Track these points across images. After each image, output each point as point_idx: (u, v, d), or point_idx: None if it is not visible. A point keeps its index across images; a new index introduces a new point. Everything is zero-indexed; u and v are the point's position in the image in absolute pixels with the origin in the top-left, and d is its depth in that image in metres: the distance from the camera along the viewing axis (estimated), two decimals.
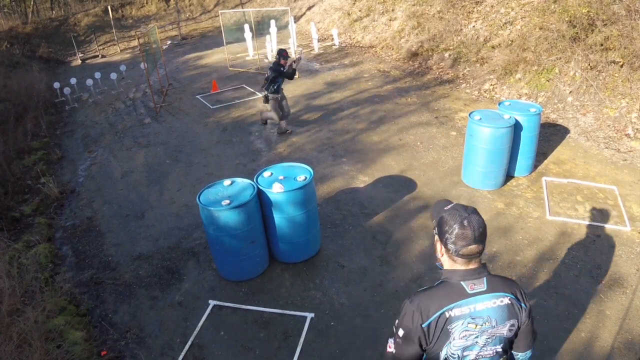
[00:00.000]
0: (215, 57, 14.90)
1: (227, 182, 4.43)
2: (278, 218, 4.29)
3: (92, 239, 5.47)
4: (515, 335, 1.81)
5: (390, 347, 1.80)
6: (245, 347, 3.70)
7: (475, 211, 1.72)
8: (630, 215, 4.92)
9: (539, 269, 4.27)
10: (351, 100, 9.29)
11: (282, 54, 7.24)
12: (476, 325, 1.70)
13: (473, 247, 1.67)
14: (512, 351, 1.89)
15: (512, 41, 9.13)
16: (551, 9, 8.64)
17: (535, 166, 6.00)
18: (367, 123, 8.06)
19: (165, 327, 3.99)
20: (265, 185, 4.25)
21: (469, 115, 5.51)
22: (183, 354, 3.68)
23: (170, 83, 12.16)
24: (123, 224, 5.69)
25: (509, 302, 1.74)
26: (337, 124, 8.14)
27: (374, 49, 13.21)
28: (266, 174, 4.47)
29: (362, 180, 6.14)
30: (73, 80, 12.07)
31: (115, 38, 19.28)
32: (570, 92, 7.55)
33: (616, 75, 7.08)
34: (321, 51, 13.88)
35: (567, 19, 7.98)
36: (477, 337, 1.71)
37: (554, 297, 3.92)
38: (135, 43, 18.17)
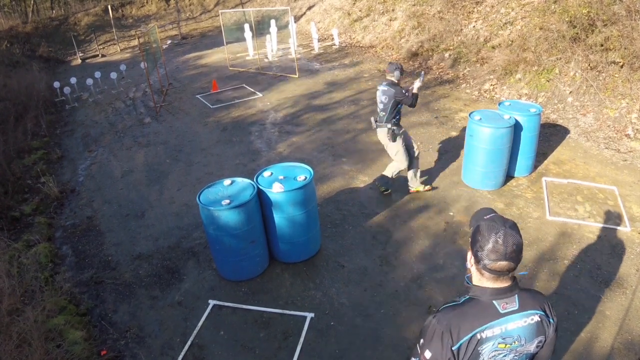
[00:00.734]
0: (215, 56, 14.89)
1: (227, 181, 4.43)
2: (278, 218, 4.29)
3: (92, 238, 5.46)
4: (540, 349, 1.79)
5: None
6: (245, 347, 3.70)
7: (514, 226, 1.62)
8: (630, 216, 4.92)
9: (539, 269, 4.27)
10: (351, 100, 9.29)
11: (401, 69, 5.15)
12: (505, 345, 1.65)
13: (503, 264, 1.58)
14: None
15: (512, 41, 9.13)
16: (551, 9, 8.64)
17: (535, 166, 6.00)
18: (367, 123, 8.04)
19: (165, 327, 3.99)
20: (265, 185, 4.25)
21: (469, 115, 5.51)
22: (183, 353, 3.68)
23: (170, 83, 12.16)
24: (123, 224, 5.69)
25: (539, 319, 1.69)
26: (337, 124, 8.14)
27: (374, 49, 13.21)
28: (266, 173, 4.47)
29: (362, 180, 6.14)
30: (73, 80, 12.07)
31: (116, 37, 19.28)
32: (571, 92, 7.55)
33: (616, 75, 7.08)
34: (321, 51, 13.88)
35: (567, 19, 7.98)
36: (505, 355, 1.68)
37: (554, 298, 3.92)
38: (135, 42, 18.16)
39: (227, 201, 4.02)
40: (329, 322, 3.87)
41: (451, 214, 5.23)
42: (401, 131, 5.31)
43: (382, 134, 5.33)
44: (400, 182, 5.99)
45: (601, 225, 4.80)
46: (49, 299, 4.15)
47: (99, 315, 4.22)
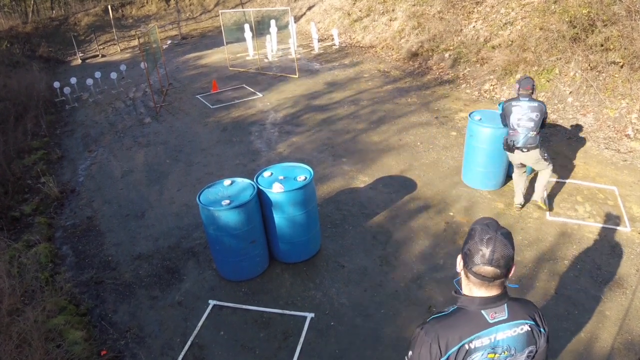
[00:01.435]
0: (215, 56, 14.89)
1: (227, 182, 4.43)
2: (278, 218, 4.29)
3: (92, 238, 5.47)
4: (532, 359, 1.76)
5: None
6: (245, 347, 3.70)
7: (507, 235, 1.60)
8: (630, 216, 4.92)
9: (539, 269, 4.27)
10: (351, 100, 9.29)
11: (534, 85, 4.67)
12: (495, 355, 1.63)
13: (488, 269, 1.56)
14: None
15: (512, 41, 9.13)
16: (551, 10, 8.64)
17: None
18: (367, 123, 8.06)
19: (165, 327, 3.99)
20: (265, 185, 4.25)
21: (469, 115, 5.51)
22: (183, 353, 3.68)
23: (170, 83, 12.16)
24: (123, 224, 5.69)
25: (529, 328, 1.66)
26: (337, 124, 8.14)
27: (374, 49, 13.21)
28: (266, 174, 4.47)
29: (362, 180, 6.14)
30: (73, 80, 12.07)
31: (116, 38, 19.28)
32: (571, 92, 7.55)
33: (616, 75, 7.08)
34: (321, 51, 13.88)
35: (567, 19, 7.99)
36: None
37: (554, 298, 3.92)
38: (135, 43, 18.17)
39: (227, 201, 4.02)
40: (329, 322, 3.87)
41: (451, 214, 5.23)
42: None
43: (533, 155, 4.65)
44: (401, 182, 5.99)
45: (601, 225, 4.80)
46: (49, 299, 4.15)
47: (99, 315, 4.22)
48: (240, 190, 4.26)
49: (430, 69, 10.66)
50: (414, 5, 12.93)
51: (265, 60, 13.50)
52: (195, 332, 3.88)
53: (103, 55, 17.80)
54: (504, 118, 4.79)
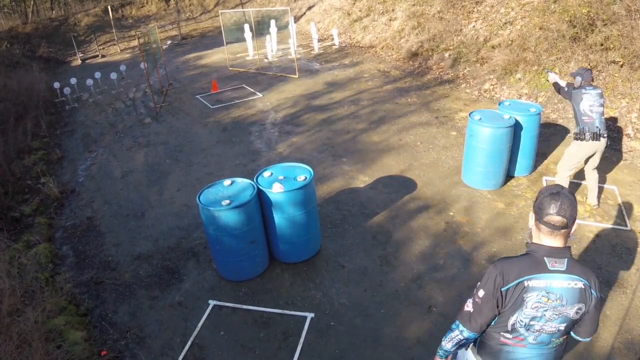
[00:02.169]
0: (215, 57, 14.90)
1: (227, 182, 4.43)
2: (278, 218, 4.29)
3: (92, 239, 5.47)
4: (579, 319, 1.92)
5: (468, 307, 1.98)
6: (245, 347, 3.70)
7: (571, 193, 1.86)
8: (630, 215, 4.92)
9: None
10: (351, 100, 9.29)
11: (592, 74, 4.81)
12: (548, 300, 1.83)
13: (556, 218, 1.80)
14: (573, 334, 2.02)
15: (512, 41, 9.13)
16: (551, 9, 8.64)
17: (535, 166, 6.00)
18: (367, 123, 8.06)
19: (165, 327, 3.99)
20: (265, 185, 4.25)
21: (469, 115, 5.51)
22: (183, 354, 3.68)
23: (170, 83, 12.16)
24: (123, 224, 5.69)
25: (583, 287, 1.85)
26: (337, 124, 8.14)
27: (374, 49, 13.21)
28: (266, 174, 4.47)
29: (362, 180, 6.14)
30: (73, 80, 12.07)
31: (115, 38, 19.28)
32: None
33: (616, 75, 7.08)
34: (321, 51, 13.88)
35: (567, 19, 7.98)
36: (546, 310, 1.85)
37: None
38: (135, 43, 18.17)
39: (227, 201, 4.02)
40: (329, 322, 3.87)
41: (451, 214, 5.23)
42: None
43: (605, 142, 4.73)
44: (401, 182, 5.99)
45: (601, 224, 4.80)
46: (49, 299, 4.15)
47: (99, 315, 4.22)
48: (240, 190, 4.26)
49: (430, 69, 10.66)
50: (413, 5, 12.93)
51: (265, 60, 13.50)
52: (196, 332, 3.88)
53: (103, 56, 17.80)
54: (564, 92, 4.91)
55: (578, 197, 5.32)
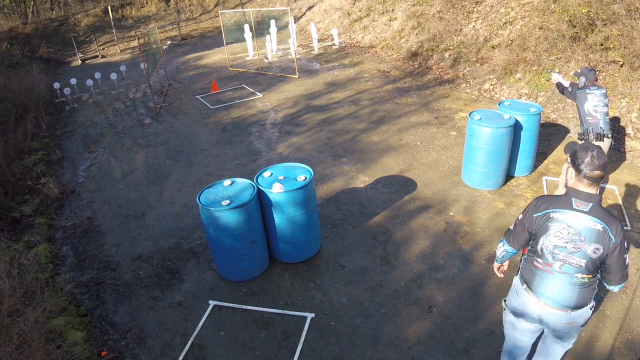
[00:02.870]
0: (215, 57, 14.90)
1: (227, 182, 4.43)
2: (278, 218, 4.29)
3: (92, 239, 5.47)
4: (601, 262, 2.26)
5: (511, 227, 2.52)
6: (245, 347, 3.70)
7: (599, 148, 2.25)
8: (630, 215, 4.92)
9: None
10: (351, 101, 9.29)
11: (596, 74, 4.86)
12: (568, 233, 2.24)
13: (597, 172, 2.21)
14: (604, 282, 2.38)
15: (512, 41, 9.13)
16: (551, 9, 8.64)
17: (535, 166, 6.00)
18: (367, 123, 8.06)
19: (166, 327, 3.99)
20: (265, 185, 4.25)
21: (469, 115, 5.50)
22: (183, 354, 3.68)
23: (170, 83, 12.16)
24: (123, 224, 5.70)
25: (601, 229, 2.20)
26: (337, 124, 8.14)
27: (374, 49, 13.21)
28: (266, 174, 4.47)
29: (362, 180, 6.14)
30: (73, 81, 12.08)
31: (115, 38, 19.29)
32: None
33: (616, 75, 7.08)
34: (321, 51, 13.88)
35: (567, 18, 7.98)
36: (566, 242, 2.26)
37: None
38: (135, 43, 18.18)
39: (227, 202, 4.02)
40: (329, 323, 3.87)
41: (451, 214, 5.23)
42: None
43: (609, 141, 4.70)
44: (401, 182, 5.99)
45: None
46: (49, 299, 4.15)
47: (99, 316, 4.22)
48: (240, 190, 4.26)
49: (430, 69, 10.66)
50: (413, 5, 12.93)
51: (265, 61, 13.50)
52: (196, 332, 3.89)
53: (103, 56, 17.81)
54: (568, 92, 4.88)
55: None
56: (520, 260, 2.60)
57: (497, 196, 5.50)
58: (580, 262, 2.26)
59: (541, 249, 2.34)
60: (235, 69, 12.86)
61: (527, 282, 2.48)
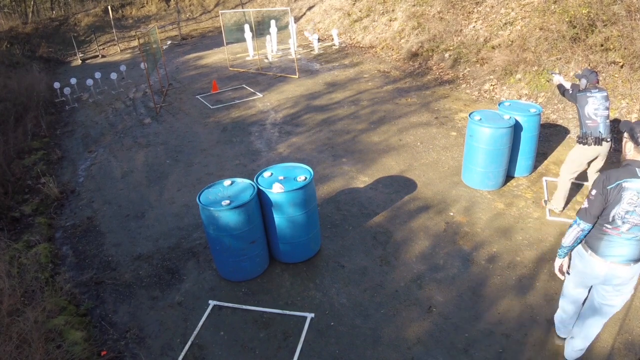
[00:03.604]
0: (215, 57, 14.90)
1: (227, 182, 4.43)
2: (278, 218, 4.29)
3: (92, 239, 5.47)
4: None
5: (584, 205, 2.74)
6: (245, 347, 3.70)
7: None
8: None
9: (539, 269, 4.27)
10: (351, 101, 9.29)
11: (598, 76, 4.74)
12: (638, 198, 2.55)
13: None
14: None
15: (512, 41, 9.13)
16: (551, 10, 8.64)
17: (535, 166, 6.00)
18: (367, 123, 8.06)
19: (165, 327, 3.99)
20: (265, 185, 4.25)
21: (469, 115, 5.51)
22: (183, 354, 3.68)
23: (170, 83, 12.16)
24: (123, 224, 5.69)
25: None
26: (337, 124, 8.14)
27: (374, 49, 13.21)
28: (266, 174, 4.47)
29: (362, 180, 6.14)
30: (73, 80, 12.08)
31: (116, 38, 19.29)
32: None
33: (616, 75, 7.08)
34: (321, 51, 13.89)
35: (567, 19, 7.99)
36: (636, 206, 2.57)
37: (554, 298, 3.92)
38: (135, 43, 18.18)
39: (227, 202, 4.02)
40: (329, 323, 3.87)
41: (451, 214, 5.23)
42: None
43: (608, 145, 4.66)
44: (401, 182, 5.99)
45: None
46: (49, 299, 4.15)
47: (99, 315, 4.22)
48: (240, 190, 4.26)
49: (430, 69, 10.66)
50: (414, 5, 12.94)
51: (265, 61, 13.50)
52: (195, 332, 3.88)
53: (103, 56, 17.81)
54: (569, 94, 4.81)
55: (577, 198, 5.32)
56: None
57: (497, 197, 5.50)
58: None
59: (613, 216, 2.64)
60: (236, 69, 12.86)
61: (592, 248, 2.80)
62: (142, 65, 12.23)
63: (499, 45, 9.41)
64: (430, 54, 11.14)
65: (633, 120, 2.76)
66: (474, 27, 10.55)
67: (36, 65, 15.26)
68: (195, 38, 19.26)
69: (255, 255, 4.34)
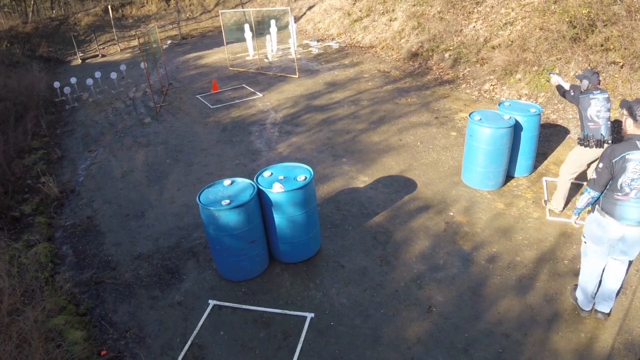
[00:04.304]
0: (215, 56, 14.89)
1: (227, 181, 4.43)
2: (278, 218, 4.29)
3: (92, 238, 5.47)
4: None
5: (593, 176, 3.23)
6: (245, 347, 3.70)
7: None
8: None
9: (539, 269, 4.27)
10: (351, 101, 9.29)
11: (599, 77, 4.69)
12: None
13: None
14: None
15: (512, 42, 9.13)
16: (551, 10, 8.64)
17: (535, 166, 6.00)
18: (367, 123, 8.06)
19: (165, 327, 3.99)
20: (265, 185, 4.25)
21: (469, 115, 5.51)
22: (183, 353, 3.68)
23: (170, 83, 12.16)
24: (123, 224, 5.69)
25: None
26: (337, 124, 8.14)
27: (374, 49, 13.21)
28: (266, 174, 4.47)
29: (362, 180, 6.14)
30: (73, 80, 12.07)
31: (116, 37, 19.28)
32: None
33: (616, 75, 7.08)
34: (321, 51, 13.88)
35: (567, 19, 7.99)
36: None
37: (554, 298, 3.92)
38: (135, 42, 18.18)
39: (227, 201, 4.02)
40: (329, 322, 3.87)
41: (451, 214, 5.23)
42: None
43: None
44: (401, 182, 5.99)
45: None
46: (49, 298, 4.15)
47: (99, 315, 4.22)
48: (240, 190, 4.26)
49: (430, 69, 10.66)
50: (414, 5, 12.93)
51: (266, 60, 13.50)
52: (195, 332, 3.88)
53: (103, 55, 17.80)
54: (570, 96, 4.75)
55: (578, 198, 5.32)
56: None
57: (497, 196, 5.50)
58: None
59: (620, 184, 3.09)
60: (236, 69, 12.86)
61: (609, 213, 3.23)
62: (142, 65, 12.23)
63: (499, 45, 9.41)
64: (430, 54, 11.14)
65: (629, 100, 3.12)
66: (474, 27, 10.55)
67: (36, 64, 15.26)
68: (195, 38, 19.25)
69: (255, 255, 4.34)
